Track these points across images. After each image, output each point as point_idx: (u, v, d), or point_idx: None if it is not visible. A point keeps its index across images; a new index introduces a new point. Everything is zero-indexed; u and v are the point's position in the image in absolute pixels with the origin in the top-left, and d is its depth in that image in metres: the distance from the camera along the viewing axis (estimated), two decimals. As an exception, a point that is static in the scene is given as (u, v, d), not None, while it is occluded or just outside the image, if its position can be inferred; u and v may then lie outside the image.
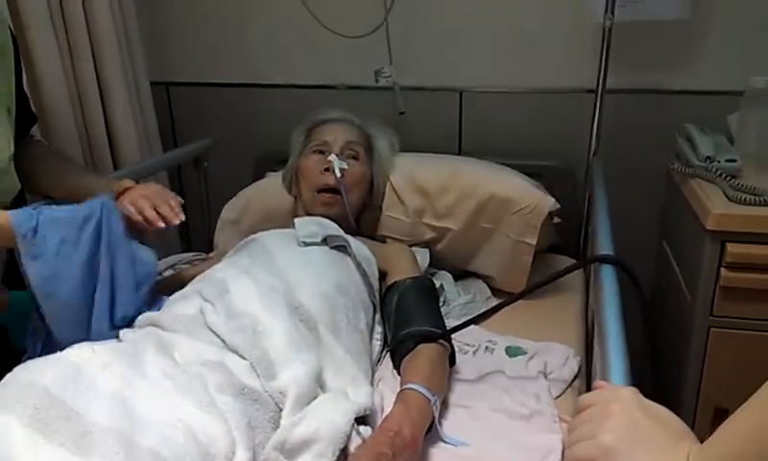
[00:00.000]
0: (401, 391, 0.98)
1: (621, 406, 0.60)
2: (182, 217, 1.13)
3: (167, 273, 1.38)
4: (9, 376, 0.83)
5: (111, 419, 0.78)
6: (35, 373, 0.82)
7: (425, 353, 1.06)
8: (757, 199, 1.22)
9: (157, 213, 1.13)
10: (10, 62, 1.15)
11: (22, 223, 1.01)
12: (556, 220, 1.51)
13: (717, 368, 1.28)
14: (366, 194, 1.46)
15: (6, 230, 1.00)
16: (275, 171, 1.66)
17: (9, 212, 1.01)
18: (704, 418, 1.31)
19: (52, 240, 1.02)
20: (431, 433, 0.96)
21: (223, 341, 0.97)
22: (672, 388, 1.43)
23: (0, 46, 1.11)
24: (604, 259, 0.95)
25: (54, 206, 1.08)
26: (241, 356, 0.95)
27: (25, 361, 0.93)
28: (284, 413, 0.88)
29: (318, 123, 1.48)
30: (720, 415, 0.59)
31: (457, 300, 1.39)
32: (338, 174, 1.35)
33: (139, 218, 1.11)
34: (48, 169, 1.26)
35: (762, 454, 0.46)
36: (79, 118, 1.60)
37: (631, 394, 0.62)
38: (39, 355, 0.88)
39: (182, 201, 1.16)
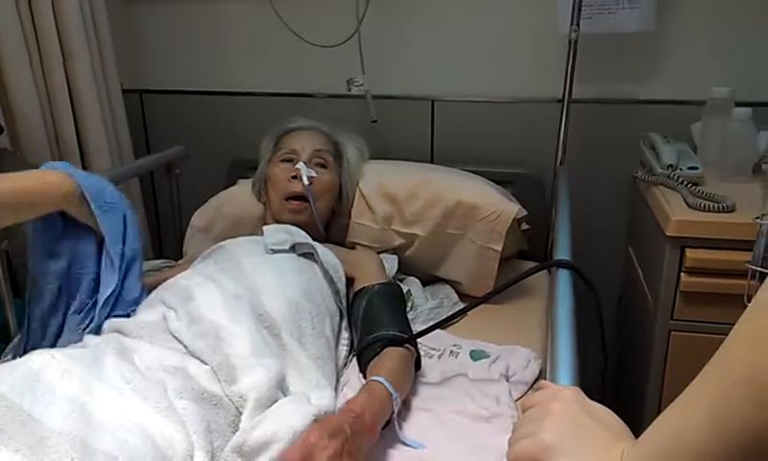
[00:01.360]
0: (367, 382, 1.01)
1: (561, 406, 0.61)
2: None
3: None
4: (-34, 382, 0.83)
5: (68, 424, 0.78)
6: (-8, 379, 0.82)
7: (391, 355, 1.08)
8: (716, 205, 1.25)
9: None
10: None
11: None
12: (524, 227, 1.53)
13: (678, 371, 1.30)
14: (334, 201, 1.47)
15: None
16: (247, 178, 1.67)
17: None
18: (666, 420, 1.33)
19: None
20: (389, 430, 0.97)
21: (185, 347, 0.98)
22: (636, 390, 1.45)
23: None
24: (559, 264, 0.97)
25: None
26: (203, 362, 0.96)
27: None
28: (244, 416, 0.89)
29: (286, 131, 1.49)
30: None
31: (424, 305, 1.40)
32: (306, 182, 1.36)
33: None
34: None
35: (678, 452, 0.47)
36: (49, 125, 1.60)
37: (572, 393, 0.63)
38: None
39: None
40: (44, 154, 1.56)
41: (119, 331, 1.02)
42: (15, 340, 1.24)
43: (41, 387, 0.83)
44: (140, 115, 2.00)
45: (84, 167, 1.67)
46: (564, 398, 0.62)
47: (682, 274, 1.26)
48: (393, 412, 0.97)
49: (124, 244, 1.11)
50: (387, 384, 0.98)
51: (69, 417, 0.80)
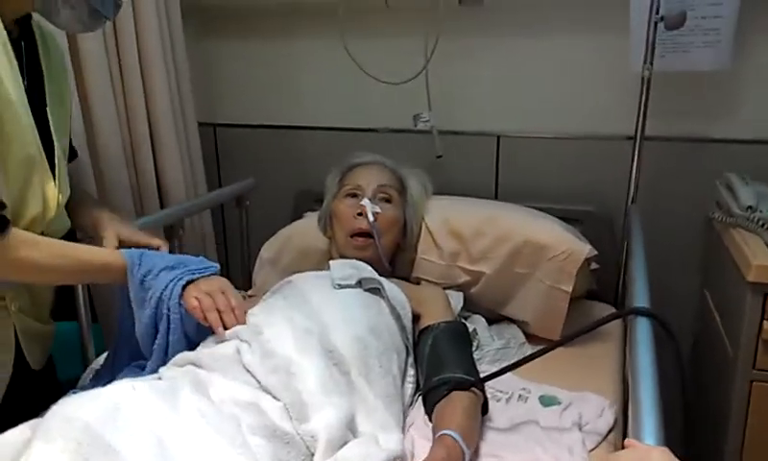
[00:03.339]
0: (441, 435, 0.99)
1: (651, 468, 0.59)
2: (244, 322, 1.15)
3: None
4: (54, 408, 0.86)
5: (147, 457, 0.81)
6: (77, 407, 0.85)
7: (460, 401, 1.06)
8: (801, 251, 1.20)
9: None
10: (68, 107, 1.22)
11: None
12: (593, 266, 1.50)
13: (761, 426, 1.24)
14: (399, 237, 1.47)
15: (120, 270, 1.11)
16: (313, 211, 1.69)
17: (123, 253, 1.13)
18: (747, 480, 1.26)
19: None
20: None
21: (258, 381, 0.99)
22: (713, 447, 1.38)
23: (60, 93, 1.18)
24: (639, 312, 0.94)
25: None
26: (275, 397, 0.97)
27: (70, 394, 0.97)
28: (316, 458, 0.89)
29: (351, 166, 1.51)
30: (763, 477, 0.58)
31: (491, 345, 1.38)
32: (371, 218, 1.37)
33: (201, 317, 1.11)
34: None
35: None
36: (129, 156, 1.66)
37: (661, 455, 0.61)
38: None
39: (244, 296, 1.17)
40: (122, 182, 1.62)
41: (194, 364, 1.04)
42: (96, 363, 1.29)
43: (122, 418, 0.85)
44: (213, 148, 2.07)
45: (161, 198, 1.73)
46: (655, 460, 0.60)
47: (765, 322, 1.20)
48: None
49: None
50: (461, 441, 0.97)
51: (147, 450, 0.82)
